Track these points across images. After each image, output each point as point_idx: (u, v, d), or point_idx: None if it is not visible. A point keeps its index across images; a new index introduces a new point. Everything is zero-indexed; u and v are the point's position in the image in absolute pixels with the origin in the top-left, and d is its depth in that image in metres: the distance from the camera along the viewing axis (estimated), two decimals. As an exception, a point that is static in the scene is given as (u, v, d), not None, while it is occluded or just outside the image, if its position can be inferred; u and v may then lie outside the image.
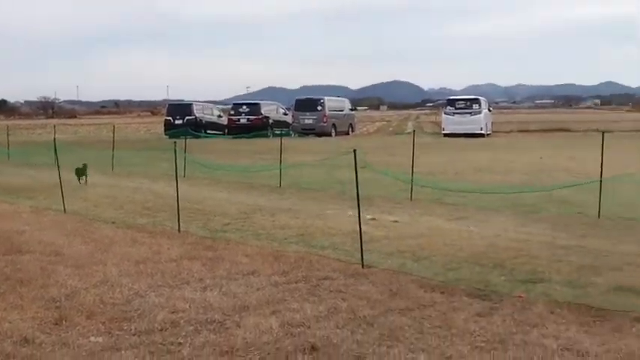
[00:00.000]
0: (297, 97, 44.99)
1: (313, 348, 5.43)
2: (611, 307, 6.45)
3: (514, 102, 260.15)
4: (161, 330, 5.91)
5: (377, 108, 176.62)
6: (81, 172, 17.14)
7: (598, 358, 5.24)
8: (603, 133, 13.67)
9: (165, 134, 41.29)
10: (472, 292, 7.01)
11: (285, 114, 45.26)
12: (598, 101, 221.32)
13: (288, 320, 6.11)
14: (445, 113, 41.34)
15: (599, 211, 11.61)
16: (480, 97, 41.92)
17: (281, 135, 25.95)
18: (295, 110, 43.00)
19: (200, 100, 54.58)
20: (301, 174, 17.54)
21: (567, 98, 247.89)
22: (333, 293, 7.04)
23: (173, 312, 6.40)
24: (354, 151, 8.55)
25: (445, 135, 39.59)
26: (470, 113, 39.88)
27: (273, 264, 8.30)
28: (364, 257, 8.26)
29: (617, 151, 20.70)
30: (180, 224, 10.76)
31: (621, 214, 11.68)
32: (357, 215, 8.60)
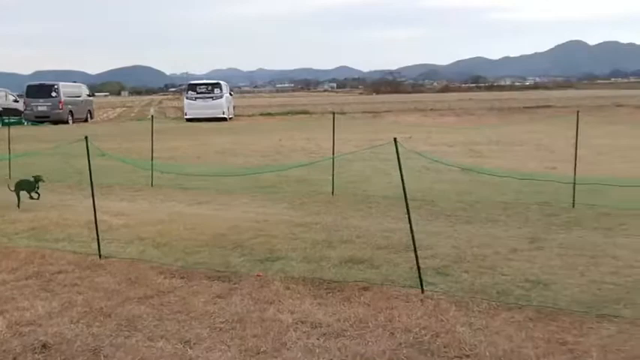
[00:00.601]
0: (28, 83, 42.35)
1: (44, 346, 5.15)
2: (342, 278, 6.84)
3: (256, 86, 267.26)
4: None
5: (118, 94, 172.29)
6: (29, 186, 11.86)
7: (330, 327, 5.52)
8: (334, 114, 14.42)
9: None
10: (212, 275, 7.06)
11: (16, 101, 42.44)
12: (334, 84, 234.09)
13: (17, 320, 5.73)
14: (187, 98, 41.17)
15: (332, 189, 12.25)
16: (221, 82, 42.27)
17: (9, 123, 24.25)
18: (27, 97, 40.42)
19: None
20: (35, 163, 16.46)
21: (306, 82, 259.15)
22: (67, 287, 6.72)
23: None
24: (86, 137, 8.19)
25: (188, 120, 39.45)
26: (212, 98, 40.13)
27: (1, 261, 7.73)
28: (102, 247, 7.98)
29: (348, 131, 22.01)
30: None
31: (351, 190, 12.45)
32: (93, 205, 8.25)
